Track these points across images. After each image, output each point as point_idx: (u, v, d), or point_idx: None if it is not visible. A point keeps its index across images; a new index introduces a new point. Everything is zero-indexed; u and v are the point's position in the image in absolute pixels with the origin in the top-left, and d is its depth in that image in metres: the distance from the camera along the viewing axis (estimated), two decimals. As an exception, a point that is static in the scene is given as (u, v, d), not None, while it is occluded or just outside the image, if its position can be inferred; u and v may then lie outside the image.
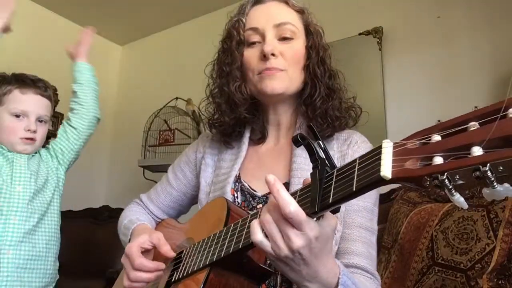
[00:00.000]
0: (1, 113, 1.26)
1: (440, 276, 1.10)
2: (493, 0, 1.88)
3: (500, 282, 0.99)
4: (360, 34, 2.15)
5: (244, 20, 0.86)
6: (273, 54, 0.80)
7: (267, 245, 0.53)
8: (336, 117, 0.84)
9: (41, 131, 1.30)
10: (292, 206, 0.50)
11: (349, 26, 2.17)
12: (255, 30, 0.84)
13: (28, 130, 1.25)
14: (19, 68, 1.33)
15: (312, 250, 0.52)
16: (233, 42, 0.85)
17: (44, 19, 2.95)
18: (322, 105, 0.84)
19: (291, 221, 0.50)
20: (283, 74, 0.81)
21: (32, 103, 1.27)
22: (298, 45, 0.85)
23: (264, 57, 0.81)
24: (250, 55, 0.84)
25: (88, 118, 1.40)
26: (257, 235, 0.54)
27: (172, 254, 0.75)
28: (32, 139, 1.27)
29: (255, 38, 0.84)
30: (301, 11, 0.88)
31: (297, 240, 0.50)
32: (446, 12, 1.99)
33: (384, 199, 1.54)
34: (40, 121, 1.30)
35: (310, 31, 0.86)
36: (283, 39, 0.83)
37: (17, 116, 1.25)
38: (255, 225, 0.55)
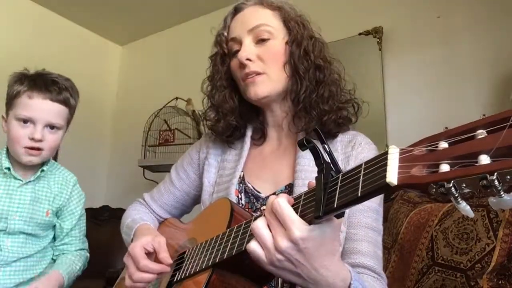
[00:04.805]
0: (10, 118, 1.13)
1: (440, 276, 1.10)
2: (493, 0, 1.88)
3: (500, 282, 0.99)
4: (360, 34, 2.15)
5: (226, 34, 0.89)
6: (248, 59, 0.82)
7: (260, 253, 0.54)
8: (327, 111, 0.83)
9: (51, 139, 1.14)
10: (278, 199, 0.53)
11: (349, 26, 2.17)
12: (234, 40, 0.87)
13: (32, 138, 1.10)
14: (18, 68, 1.29)
15: (302, 251, 0.51)
16: (218, 57, 0.90)
17: (44, 19, 2.94)
18: (309, 99, 0.83)
19: (276, 214, 0.52)
20: (263, 77, 0.83)
21: (39, 110, 1.11)
22: (276, 44, 0.84)
23: (241, 64, 0.83)
24: (234, 64, 0.87)
25: None
26: (251, 243, 0.55)
27: (169, 262, 0.75)
28: (38, 148, 1.12)
29: (236, 47, 0.86)
30: (277, 8, 0.87)
31: (283, 242, 0.51)
32: (446, 12, 1.99)
33: (384, 199, 1.54)
34: (52, 128, 1.14)
35: (289, 27, 0.86)
36: (259, 41, 0.84)
37: (25, 122, 1.11)
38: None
